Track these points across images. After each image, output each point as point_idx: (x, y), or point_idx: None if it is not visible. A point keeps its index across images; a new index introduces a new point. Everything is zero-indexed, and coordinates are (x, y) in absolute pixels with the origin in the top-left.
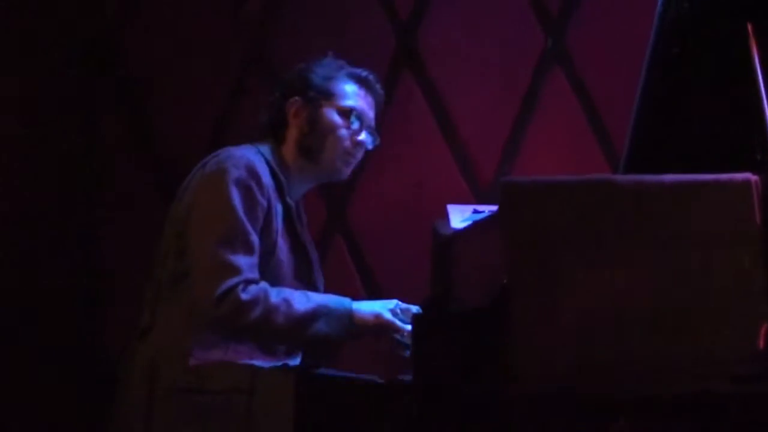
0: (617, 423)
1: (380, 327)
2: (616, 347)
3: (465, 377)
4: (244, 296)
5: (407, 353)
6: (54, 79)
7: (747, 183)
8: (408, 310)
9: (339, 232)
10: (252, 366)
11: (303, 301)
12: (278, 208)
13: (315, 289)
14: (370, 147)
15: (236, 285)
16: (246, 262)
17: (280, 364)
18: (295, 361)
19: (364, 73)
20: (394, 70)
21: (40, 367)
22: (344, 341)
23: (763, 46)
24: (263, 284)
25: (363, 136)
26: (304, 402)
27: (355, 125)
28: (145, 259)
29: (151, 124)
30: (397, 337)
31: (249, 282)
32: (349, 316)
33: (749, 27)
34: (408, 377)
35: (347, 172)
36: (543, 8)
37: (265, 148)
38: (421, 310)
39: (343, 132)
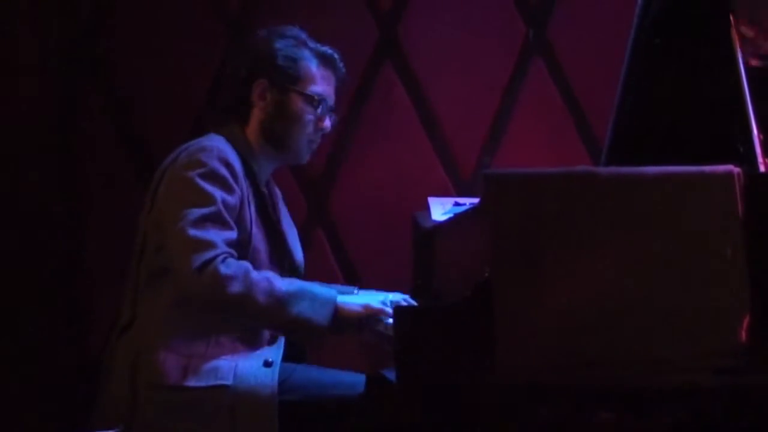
0: (601, 414)
1: (369, 315)
2: (598, 339)
3: (448, 369)
4: (223, 269)
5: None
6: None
7: (729, 175)
8: (408, 302)
9: (320, 225)
10: (235, 362)
11: (286, 282)
12: (251, 196)
13: (295, 271)
14: (329, 130)
15: (214, 258)
16: (221, 238)
17: (261, 360)
18: (278, 355)
19: (329, 51)
20: (376, 61)
21: (19, 361)
22: (326, 332)
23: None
24: (245, 262)
25: (326, 121)
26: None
27: (320, 111)
28: (126, 252)
29: (131, 119)
30: (381, 329)
31: (227, 256)
32: (334, 304)
33: (731, 18)
34: (391, 372)
35: (308, 156)
36: None
37: (232, 135)
38: (413, 301)
39: (309, 118)
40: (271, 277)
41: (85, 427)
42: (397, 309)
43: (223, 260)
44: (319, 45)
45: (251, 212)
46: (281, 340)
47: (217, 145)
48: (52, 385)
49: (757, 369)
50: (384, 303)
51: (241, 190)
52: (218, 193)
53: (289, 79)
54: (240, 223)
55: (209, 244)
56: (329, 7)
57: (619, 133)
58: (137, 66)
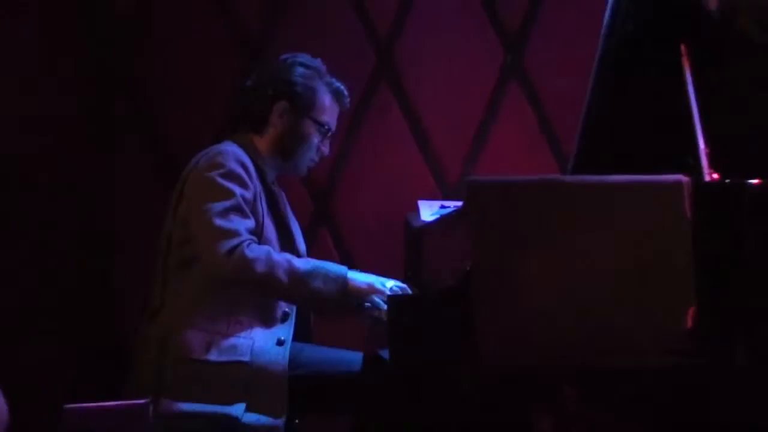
0: (567, 391)
1: (372, 293)
2: (566, 326)
3: (435, 351)
4: (249, 253)
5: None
6: (69, 96)
7: (679, 184)
8: (405, 289)
9: (325, 226)
10: (252, 341)
11: (303, 261)
12: (261, 193)
13: (300, 257)
14: (327, 154)
15: (240, 243)
16: (244, 226)
17: (275, 339)
18: (289, 333)
19: (341, 88)
20: (374, 82)
21: (56, 346)
22: (337, 305)
23: (694, 64)
24: (266, 246)
25: (327, 146)
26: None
27: (324, 137)
28: (151, 244)
29: (159, 128)
30: (376, 315)
31: (251, 242)
32: (344, 279)
33: (682, 47)
34: (386, 352)
35: (306, 172)
36: (503, 29)
37: (243, 142)
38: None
39: (314, 142)
40: (290, 258)
41: (117, 398)
42: (390, 298)
43: (248, 245)
44: (333, 80)
45: (263, 206)
46: (291, 319)
47: (232, 150)
48: (89, 356)
49: (700, 352)
50: (383, 285)
51: (255, 187)
52: (237, 189)
53: (306, 106)
54: (254, 215)
55: (234, 232)
56: (331, 34)
57: (584, 147)
58: (165, 84)
